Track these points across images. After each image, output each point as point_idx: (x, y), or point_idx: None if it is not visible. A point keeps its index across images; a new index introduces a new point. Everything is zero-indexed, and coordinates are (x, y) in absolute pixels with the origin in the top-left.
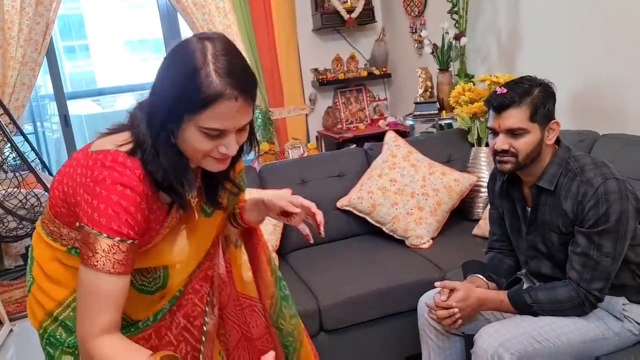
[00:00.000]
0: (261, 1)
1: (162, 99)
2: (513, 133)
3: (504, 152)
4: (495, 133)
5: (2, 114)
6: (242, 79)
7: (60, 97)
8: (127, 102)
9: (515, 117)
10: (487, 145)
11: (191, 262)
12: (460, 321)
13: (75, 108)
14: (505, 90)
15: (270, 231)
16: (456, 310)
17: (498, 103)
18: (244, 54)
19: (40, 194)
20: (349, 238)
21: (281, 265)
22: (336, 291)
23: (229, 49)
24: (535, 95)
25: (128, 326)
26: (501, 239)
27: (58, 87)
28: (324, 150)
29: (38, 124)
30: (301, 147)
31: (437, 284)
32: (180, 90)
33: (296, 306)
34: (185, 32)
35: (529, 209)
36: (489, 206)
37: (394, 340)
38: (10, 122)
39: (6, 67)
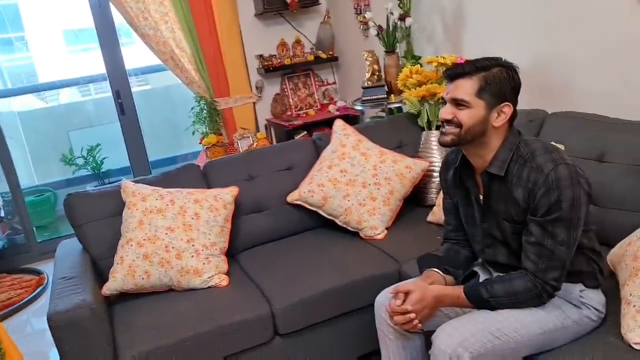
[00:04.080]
0: None
1: None
2: (457, 104)
3: (448, 122)
4: (444, 103)
5: None
6: None
7: None
8: (70, 95)
9: (462, 88)
10: (437, 128)
11: None
12: (419, 325)
13: (15, 104)
14: (463, 61)
15: (217, 232)
16: (413, 315)
17: (451, 71)
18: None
19: None
20: (302, 233)
21: (231, 266)
22: (289, 293)
23: None
24: (492, 73)
25: None
26: (456, 229)
27: None
28: (274, 139)
29: None
30: (250, 137)
31: (389, 290)
32: None
33: (249, 312)
34: (120, 21)
35: (482, 197)
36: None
37: (350, 339)
38: None
39: None
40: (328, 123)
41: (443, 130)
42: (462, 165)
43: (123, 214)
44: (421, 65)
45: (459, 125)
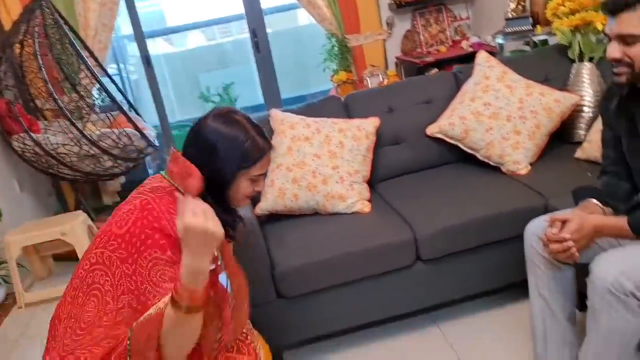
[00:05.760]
0: None
1: (220, 167)
2: (624, 40)
3: (617, 61)
4: (609, 40)
5: (88, 57)
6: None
7: (140, 37)
8: (197, 39)
9: (628, 22)
10: (590, 60)
11: None
12: (576, 254)
13: (151, 48)
14: None
15: (360, 161)
16: (571, 243)
17: (611, 5)
18: None
19: (132, 133)
20: (440, 166)
21: (371, 195)
22: (433, 221)
23: (249, 118)
24: None
25: None
26: (616, 162)
27: (137, 27)
28: (404, 77)
29: (121, 65)
30: (380, 75)
31: (545, 218)
32: (239, 155)
33: (393, 236)
34: None
35: None
36: (594, 127)
37: (493, 269)
38: (96, 64)
39: (87, 9)
40: (460, 60)
41: (615, 70)
42: (628, 93)
43: (272, 140)
44: None
45: (630, 64)
